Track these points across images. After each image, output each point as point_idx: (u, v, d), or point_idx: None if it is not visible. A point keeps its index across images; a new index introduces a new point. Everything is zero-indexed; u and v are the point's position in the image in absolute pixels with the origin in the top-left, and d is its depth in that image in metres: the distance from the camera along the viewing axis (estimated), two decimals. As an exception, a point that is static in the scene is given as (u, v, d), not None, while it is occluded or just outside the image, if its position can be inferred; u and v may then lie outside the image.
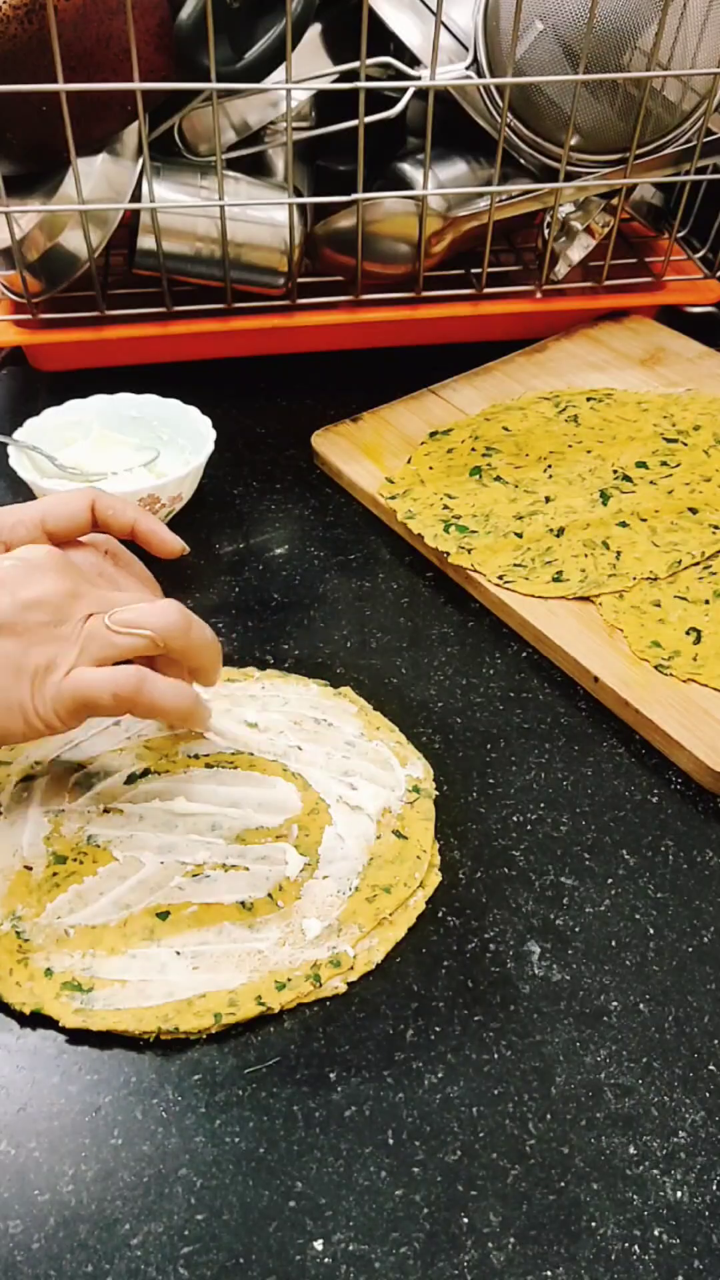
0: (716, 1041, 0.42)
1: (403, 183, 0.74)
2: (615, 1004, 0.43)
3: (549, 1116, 0.40)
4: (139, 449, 0.68)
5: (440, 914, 0.46)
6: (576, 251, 0.78)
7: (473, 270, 0.79)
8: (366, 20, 0.63)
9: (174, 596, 0.61)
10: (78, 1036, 0.42)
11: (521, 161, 0.74)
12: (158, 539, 0.58)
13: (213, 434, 0.67)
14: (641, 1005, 0.43)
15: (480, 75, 0.71)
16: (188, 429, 0.69)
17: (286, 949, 0.44)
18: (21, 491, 0.65)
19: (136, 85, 0.64)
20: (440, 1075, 0.41)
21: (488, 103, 0.72)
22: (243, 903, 0.45)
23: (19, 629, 0.44)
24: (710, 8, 0.69)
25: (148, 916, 0.45)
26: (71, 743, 0.52)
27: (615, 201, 0.78)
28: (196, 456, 0.66)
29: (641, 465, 0.68)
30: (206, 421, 0.68)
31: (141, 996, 0.42)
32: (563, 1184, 0.38)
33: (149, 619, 0.45)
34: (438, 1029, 0.42)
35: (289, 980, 0.43)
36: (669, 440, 0.71)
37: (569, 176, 0.74)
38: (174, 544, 0.59)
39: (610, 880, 0.48)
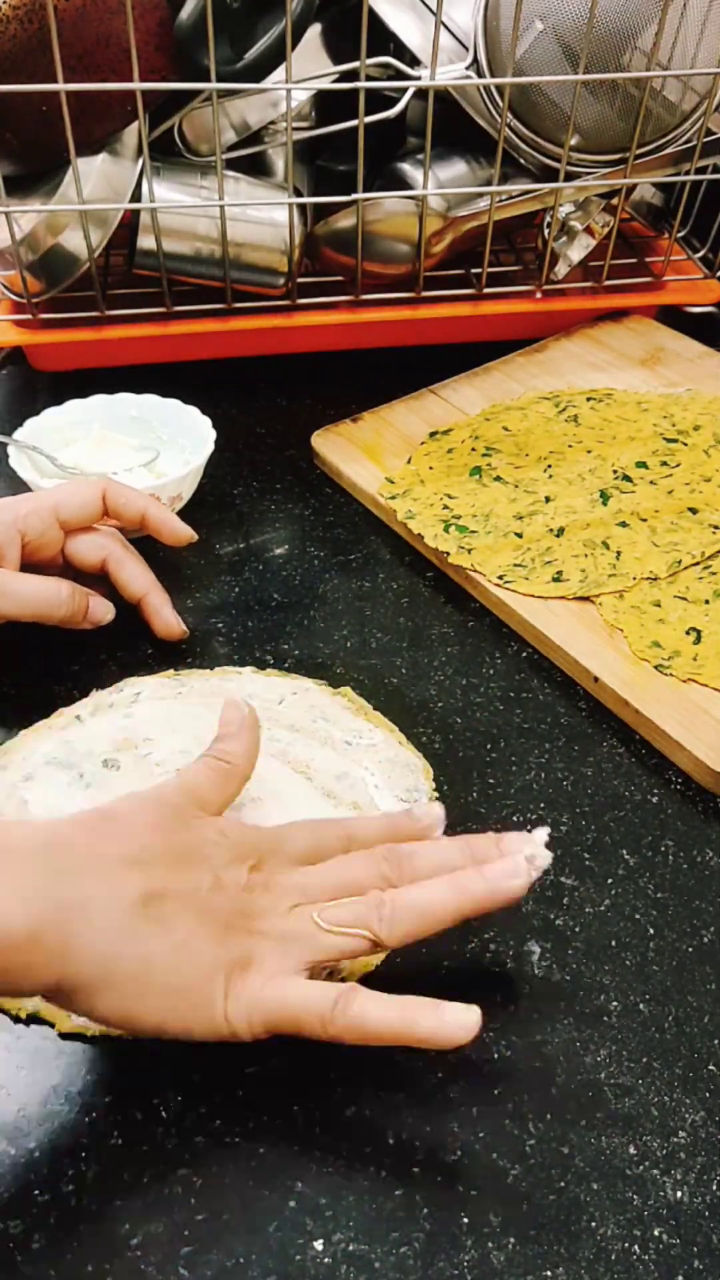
0: (716, 1041, 0.42)
1: (403, 183, 0.74)
2: (615, 1004, 0.43)
3: (549, 1116, 0.40)
4: (139, 449, 0.68)
5: (440, 914, 0.46)
6: (576, 251, 0.78)
7: (473, 270, 0.79)
8: (366, 20, 0.63)
9: (174, 596, 0.61)
10: (76, 1036, 0.42)
11: (521, 161, 0.74)
12: (168, 528, 0.59)
13: (213, 434, 0.67)
14: (641, 1005, 0.43)
15: (480, 75, 0.71)
16: (188, 429, 0.69)
17: None
18: (21, 491, 0.65)
19: (136, 85, 0.64)
20: (440, 1075, 0.41)
21: (488, 103, 0.72)
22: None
23: (215, 913, 0.39)
24: (710, 8, 0.69)
25: None
26: (67, 743, 0.52)
27: (615, 201, 0.78)
28: (196, 456, 0.66)
29: (641, 465, 0.68)
30: (207, 422, 0.68)
31: None
32: (563, 1184, 0.38)
33: (366, 917, 0.39)
34: (438, 1029, 0.42)
35: None
36: (669, 440, 0.71)
37: (569, 176, 0.74)
38: (183, 532, 0.59)
39: (610, 880, 0.48)
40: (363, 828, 0.43)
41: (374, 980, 0.43)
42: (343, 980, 0.43)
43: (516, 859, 0.41)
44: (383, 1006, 0.38)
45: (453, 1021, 0.37)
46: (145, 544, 0.67)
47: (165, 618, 0.58)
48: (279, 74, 0.67)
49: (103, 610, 0.57)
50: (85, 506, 0.57)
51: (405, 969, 0.44)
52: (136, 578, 0.58)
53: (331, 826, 0.44)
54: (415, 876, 0.41)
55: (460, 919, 0.40)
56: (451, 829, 0.49)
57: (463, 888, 0.40)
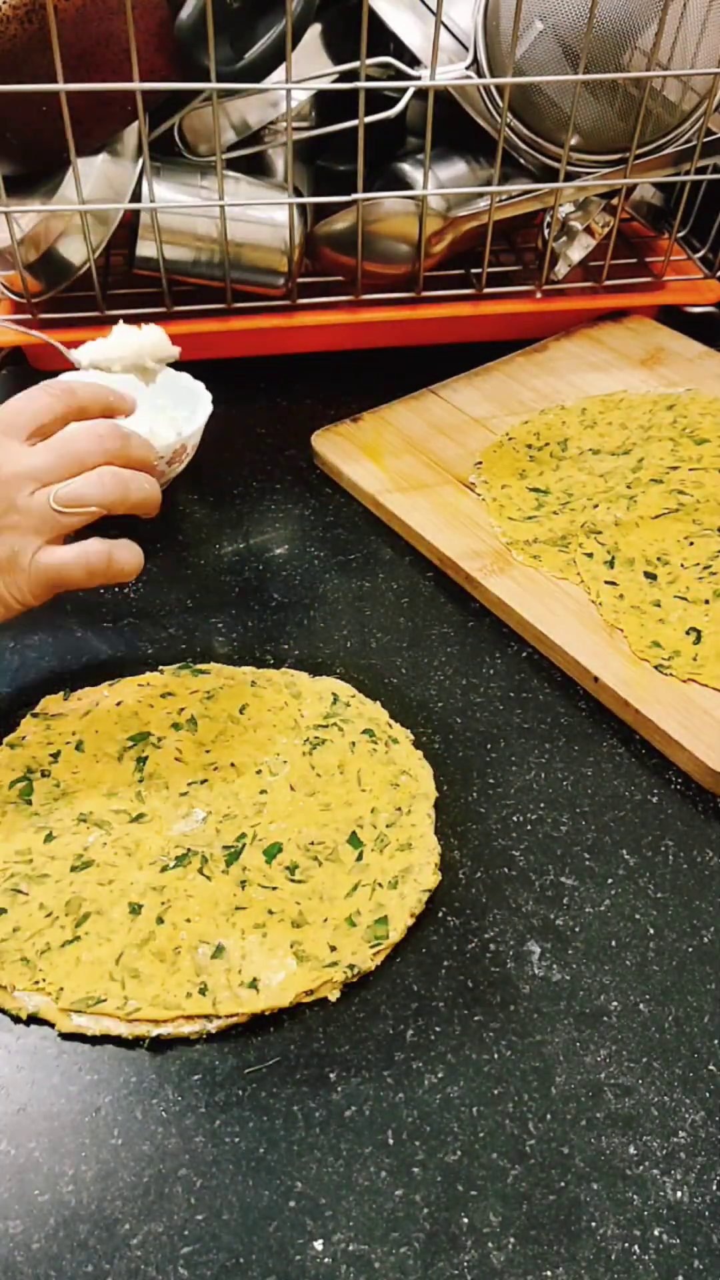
0: (716, 1041, 0.42)
1: (403, 183, 0.74)
2: (615, 1004, 0.43)
3: (549, 1116, 0.40)
4: (149, 410, 0.69)
5: (440, 914, 0.46)
6: (576, 251, 0.78)
7: (473, 270, 0.79)
8: (366, 20, 0.63)
9: (175, 596, 0.61)
10: (76, 1036, 0.42)
11: (521, 161, 0.74)
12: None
13: (208, 395, 0.68)
14: (641, 1005, 0.43)
15: (480, 75, 0.71)
16: (184, 393, 0.70)
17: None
18: None
19: (136, 85, 0.64)
20: (440, 1075, 0.41)
21: (488, 103, 0.72)
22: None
23: None
24: (710, 8, 0.69)
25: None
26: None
27: (615, 201, 0.78)
28: (199, 415, 0.67)
29: None
30: (200, 385, 0.69)
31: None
32: (563, 1184, 0.38)
33: (90, 493, 0.47)
34: (438, 1029, 0.42)
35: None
36: None
37: (569, 176, 0.74)
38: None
39: (610, 880, 0.48)
40: (85, 392, 0.51)
41: (372, 981, 0.44)
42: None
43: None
44: (133, 560, 0.49)
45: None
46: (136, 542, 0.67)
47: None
48: (279, 74, 0.67)
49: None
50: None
51: (404, 969, 0.44)
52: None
53: (52, 393, 0.50)
54: (130, 456, 0.49)
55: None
56: (451, 828, 0.49)
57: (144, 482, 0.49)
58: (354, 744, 0.52)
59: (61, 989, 0.42)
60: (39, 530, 0.47)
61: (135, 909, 0.45)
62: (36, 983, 0.42)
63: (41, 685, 0.56)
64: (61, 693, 0.55)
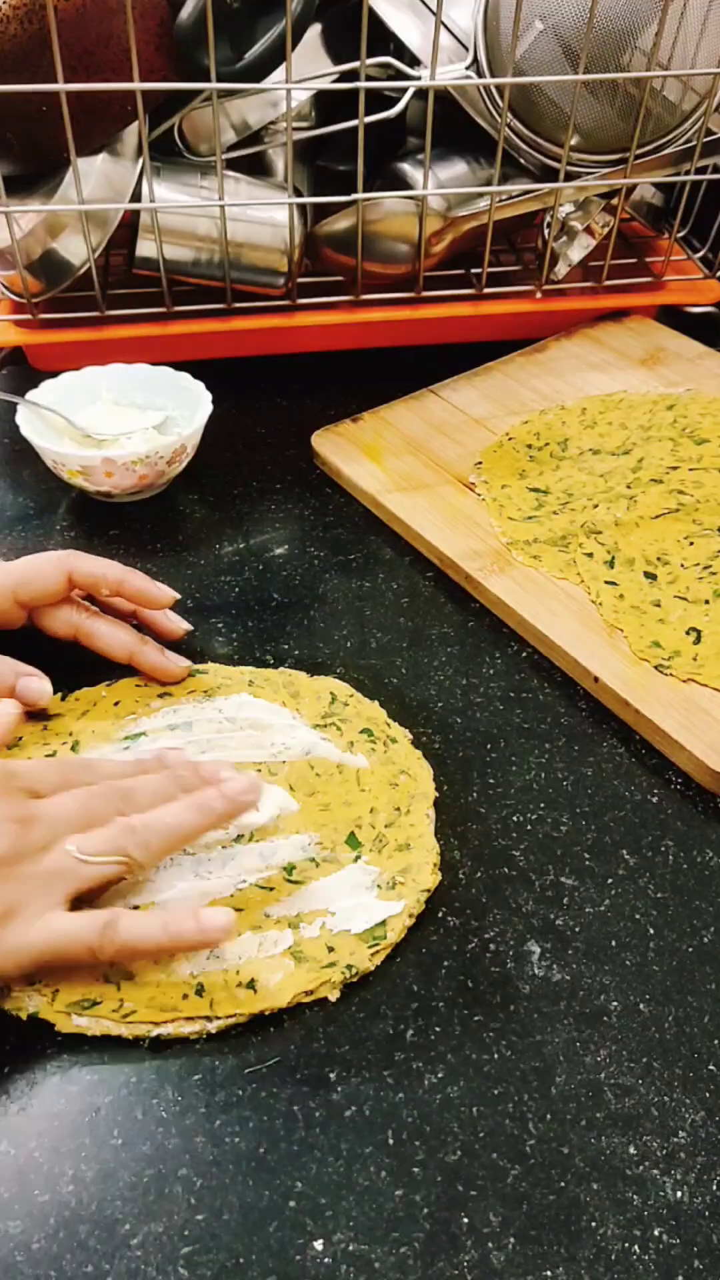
0: (716, 1041, 0.42)
1: (403, 183, 0.74)
2: (615, 1004, 0.43)
3: (549, 1116, 0.40)
4: (147, 411, 0.70)
5: (440, 914, 0.46)
6: (576, 251, 0.78)
7: (473, 270, 0.79)
8: (366, 20, 0.63)
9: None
10: (76, 1036, 0.42)
11: (521, 161, 0.74)
12: (147, 595, 0.56)
13: (208, 394, 0.68)
14: (641, 1005, 0.43)
15: (480, 75, 0.71)
16: (183, 393, 0.70)
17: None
18: (28, 454, 0.66)
19: (136, 85, 0.64)
20: (440, 1075, 0.41)
21: (488, 103, 0.72)
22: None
23: None
24: (710, 8, 0.69)
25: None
26: None
27: (615, 201, 0.78)
28: (198, 414, 0.67)
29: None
30: (200, 384, 0.69)
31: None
32: (563, 1184, 0.38)
33: (121, 842, 0.42)
34: (438, 1029, 0.42)
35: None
36: None
37: (569, 176, 0.74)
38: (166, 596, 0.57)
39: (610, 880, 0.48)
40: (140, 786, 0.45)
41: (372, 981, 0.44)
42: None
43: (251, 776, 0.45)
44: (145, 923, 0.41)
45: (210, 925, 0.41)
46: (136, 542, 0.67)
47: (159, 665, 0.55)
48: (279, 74, 0.67)
49: (35, 693, 0.52)
50: (47, 588, 0.54)
51: (404, 969, 0.44)
52: (114, 643, 0.55)
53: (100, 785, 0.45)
54: (139, 807, 0.43)
55: (204, 832, 0.44)
56: (451, 828, 0.49)
57: (205, 805, 0.43)
58: (352, 743, 0.52)
59: (57, 991, 0.42)
60: (51, 885, 0.41)
61: (132, 909, 0.45)
62: (34, 983, 0.42)
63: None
64: (59, 693, 0.55)
